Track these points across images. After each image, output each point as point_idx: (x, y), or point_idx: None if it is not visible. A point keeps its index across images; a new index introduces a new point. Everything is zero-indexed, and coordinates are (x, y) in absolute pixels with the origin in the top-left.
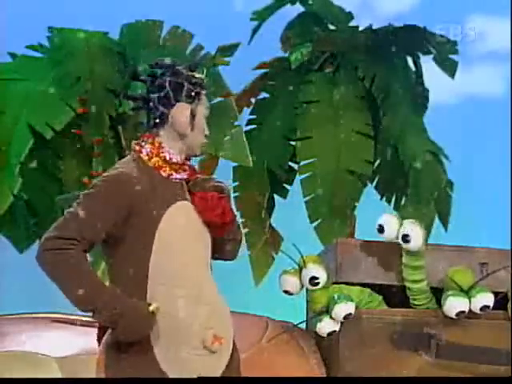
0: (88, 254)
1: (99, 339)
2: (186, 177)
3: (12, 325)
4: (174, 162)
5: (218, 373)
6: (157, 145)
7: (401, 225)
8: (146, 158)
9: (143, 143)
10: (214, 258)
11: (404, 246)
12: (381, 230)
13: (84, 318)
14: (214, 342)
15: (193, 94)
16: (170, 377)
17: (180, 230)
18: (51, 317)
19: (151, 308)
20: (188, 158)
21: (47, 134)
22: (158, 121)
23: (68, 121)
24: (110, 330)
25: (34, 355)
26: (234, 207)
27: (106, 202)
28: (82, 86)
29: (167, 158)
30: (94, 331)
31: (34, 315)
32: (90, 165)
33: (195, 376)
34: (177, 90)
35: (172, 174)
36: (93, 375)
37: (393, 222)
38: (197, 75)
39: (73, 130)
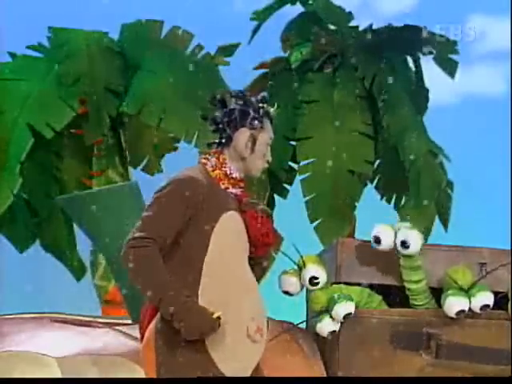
0: (88, 254)
1: (142, 337)
2: (239, 193)
3: (12, 325)
4: (233, 177)
5: (255, 363)
6: (221, 160)
7: (396, 232)
8: (210, 169)
9: (210, 157)
10: None
11: (403, 252)
12: (377, 241)
13: (84, 318)
14: (257, 332)
15: (256, 122)
16: (218, 365)
17: (231, 234)
18: (51, 317)
19: (215, 315)
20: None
21: (47, 134)
22: (223, 141)
23: (68, 121)
24: (156, 318)
25: (34, 355)
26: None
27: (176, 202)
28: (82, 86)
29: (228, 173)
30: (94, 331)
31: (33, 315)
32: (90, 165)
33: (241, 364)
34: (243, 116)
35: (228, 188)
36: (92, 375)
37: (388, 232)
38: (264, 106)
39: (73, 130)
